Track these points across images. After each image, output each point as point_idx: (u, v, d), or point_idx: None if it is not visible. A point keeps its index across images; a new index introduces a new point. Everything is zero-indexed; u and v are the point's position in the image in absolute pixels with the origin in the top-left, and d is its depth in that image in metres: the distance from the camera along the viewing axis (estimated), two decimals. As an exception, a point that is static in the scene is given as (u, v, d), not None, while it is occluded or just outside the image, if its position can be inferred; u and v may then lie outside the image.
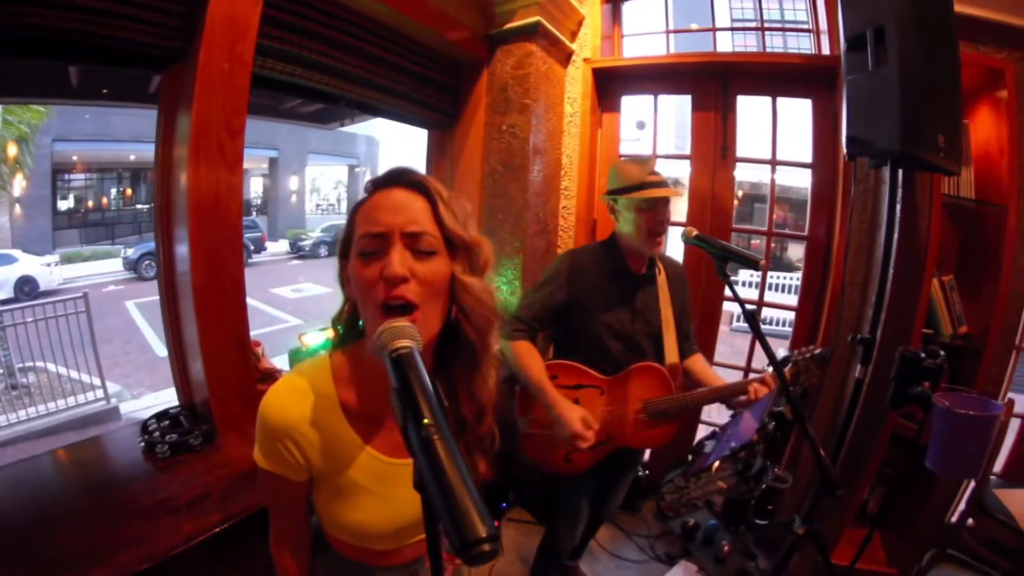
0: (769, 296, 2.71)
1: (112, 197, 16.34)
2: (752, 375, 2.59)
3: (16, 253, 10.74)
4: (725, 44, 3.01)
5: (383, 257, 0.68)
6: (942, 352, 1.54)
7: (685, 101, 2.59)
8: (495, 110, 2.38)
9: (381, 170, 0.94)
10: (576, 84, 2.56)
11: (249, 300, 1.50)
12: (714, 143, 2.50)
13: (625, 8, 2.71)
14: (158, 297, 1.57)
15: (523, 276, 2.36)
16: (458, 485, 0.42)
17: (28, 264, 10.66)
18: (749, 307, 1.32)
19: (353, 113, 2.23)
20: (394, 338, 0.56)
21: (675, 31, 2.68)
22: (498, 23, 2.29)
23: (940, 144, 1.47)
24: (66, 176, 14.85)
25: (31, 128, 10.42)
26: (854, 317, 2.07)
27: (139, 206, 16.61)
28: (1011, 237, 1.87)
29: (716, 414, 2.95)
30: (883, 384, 1.63)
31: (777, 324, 7.78)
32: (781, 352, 1.55)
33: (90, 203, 15.85)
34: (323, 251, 15.80)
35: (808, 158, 2.40)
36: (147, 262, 11.99)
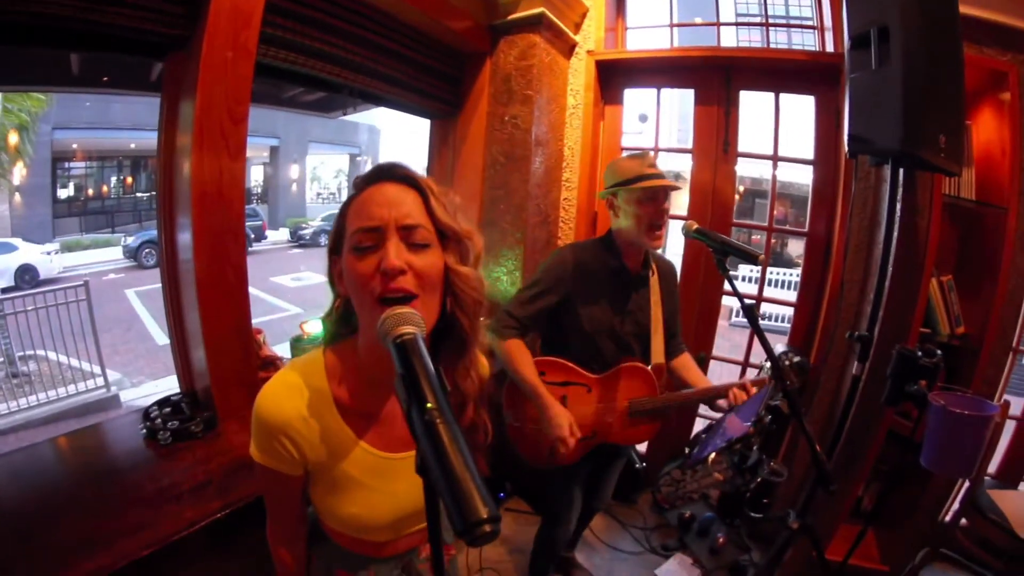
0: (768, 292, 2.72)
1: (112, 185, 16.22)
2: (749, 370, 2.61)
3: (16, 241, 10.71)
4: (729, 39, 2.99)
5: (378, 251, 0.68)
6: (939, 351, 1.56)
7: (688, 95, 2.58)
8: (498, 101, 2.37)
9: (383, 159, 0.95)
10: (579, 76, 2.55)
11: (250, 288, 1.50)
12: (716, 137, 2.50)
13: (629, 1, 2.69)
14: (158, 285, 1.58)
15: (524, 267, 2.37)
16: (460, 468, 0.42)
17: (28, 252, 10.62)
18: (748, 302, 1.33)
19: (355, 102, 2.22)
20: (398, 324, 0.57)
21: (679, 25, 2.67)
22: (502, 13, 2.27)
23: (941, 144, 1.47)
24: (66, 164, 14.72)
25: (31, 116, 10.32)
26: (852, 314, 2.08)
27: (139, 194, 16.49)
28: (1010, 239, 1.88)
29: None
30: (880, 381, 1.64)
31: (776, 320, 7.80)
32: (779, 348, 1.56)
33: (90, 191, 15.73)
34: (323, 240, 15.66)
35: (810, 155, 2.39)
36: (147, 250, 11.94)
